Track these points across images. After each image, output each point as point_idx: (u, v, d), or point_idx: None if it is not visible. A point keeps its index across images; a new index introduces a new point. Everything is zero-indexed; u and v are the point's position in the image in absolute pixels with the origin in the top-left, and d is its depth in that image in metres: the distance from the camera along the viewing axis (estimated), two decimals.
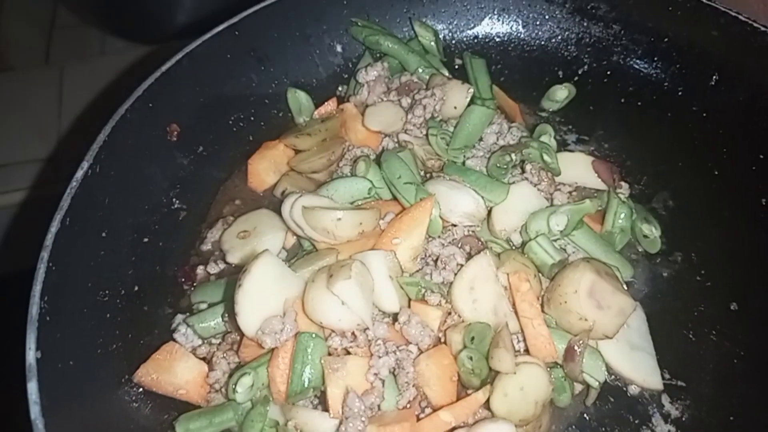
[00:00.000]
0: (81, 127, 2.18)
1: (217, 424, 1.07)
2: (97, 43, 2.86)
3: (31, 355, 0.97)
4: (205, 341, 1.18)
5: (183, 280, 1.30)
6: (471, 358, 1.06)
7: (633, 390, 1.19)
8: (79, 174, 1.17)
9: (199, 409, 1.11)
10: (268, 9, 1.45)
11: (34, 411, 0.92)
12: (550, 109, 1.58)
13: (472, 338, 1.09)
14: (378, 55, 1.57)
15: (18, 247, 2.15)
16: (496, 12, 1.61)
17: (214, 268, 1.30)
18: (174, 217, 1.36)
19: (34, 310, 1.01)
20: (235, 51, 1.45)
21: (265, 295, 1.07)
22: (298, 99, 1.52)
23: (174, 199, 1.37)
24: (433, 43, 1.58)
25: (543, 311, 1.18)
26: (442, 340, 1.14)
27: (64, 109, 2.29)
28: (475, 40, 1.64)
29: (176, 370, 1.12)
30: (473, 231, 1.28)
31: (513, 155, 1.32)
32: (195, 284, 1.30)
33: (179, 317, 1.23)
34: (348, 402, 0.99)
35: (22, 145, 2.13)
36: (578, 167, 1.39)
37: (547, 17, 1.59)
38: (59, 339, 1.03)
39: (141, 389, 1.13)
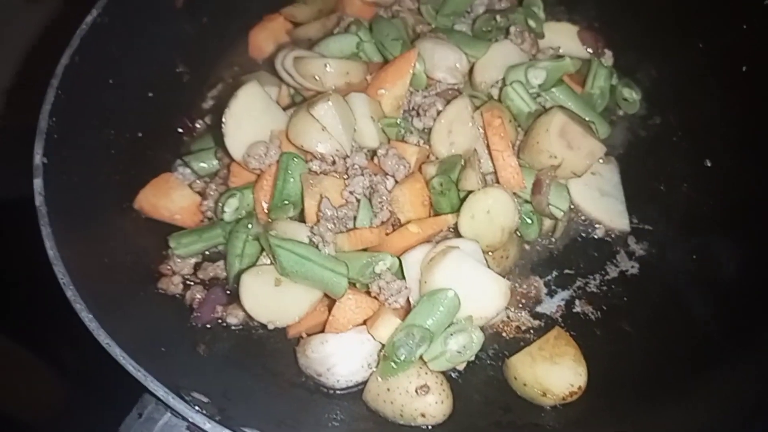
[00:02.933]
0: None
1: (206, 239, 1.17)
2: None
3: (38, 158, 1.06)
4: (201, 178, 1.28)
5: (182, 131, 1.39)
6: (441, 183, 1.13)
7: (600, 230, 1.24)
8: (89, 19, 1.25)
9: (191, 228, 1.20)
10: None
11: (38, 200, 1.02)
12: None
13: (444, 168, 1.16)
14: None
15: None
16: None
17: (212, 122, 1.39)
18: (178, 78, 1.45)
19: (42, 123, 1.10)
20: None
21: (251, 122, 1.15)
22: None
23: (178, 62, 1.46)
24: None
25: (518, 157, 1.24)
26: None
27: None
28: None
29: (172, 196, 1.22)
30: (456, 87, 1.33)
31: (498, 17, 1.36)
32: (194, 135, 1.38)
33: (179, 162, 1.33)
34: (321, 206, 1.08)
35: None
36: (563, 35, 1.43)
37: None
38: (65, 155, 1.12)
39: (141, 216, 1.24)
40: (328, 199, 1.08)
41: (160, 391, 0.86)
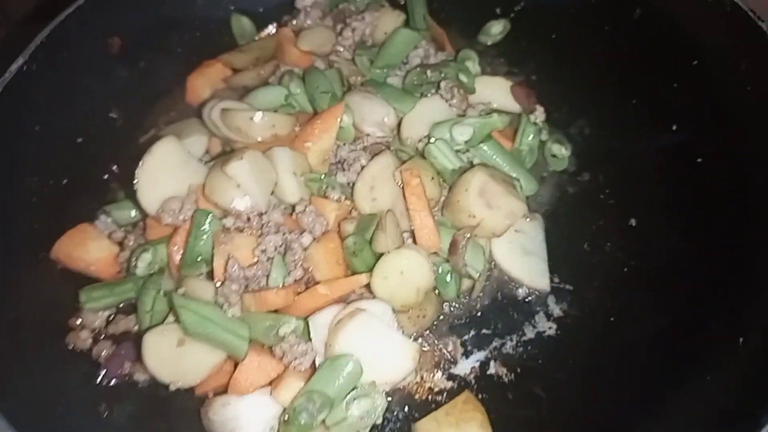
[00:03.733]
0: None
1: (117, 293, 1.15)
2: None
3: None
4: (121, 228, 1.26)
5: (108, 178, 1.38)
6: (355, 242, 1.12)
7: (522, 291, 1.24)
8: (14, 67, 1.25)
9: (102, 282, 1.19)
10: None
11: None
12: (486, 43, 1.63)
13: (360, 227, 1.15)
14: None
15: None
16: None
17: None
18: (109, 123, 1.44)
19: None
20: None
21: (166, 177, 1.15)
22: (242, 24, 1.59)
23: (111, 108, 1.45)
24: None
25: (442, 215, 1.24)
26: (337, 231, 1.20)
27: None
28: None
29: (89, 247, 1.21)
30: (385, 141, 1.34)
31: (429, 72, 1.37)
32: (121, 182, 1.37)
33: (101, 209, 1.32)
34: (228, 267, 1.07)
35: None
36: (496, 89, 1.44)
37: None
38: None
39: (57, 266, 1.22)
40: (235, 258, 1.07)
41: None
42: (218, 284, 1.07)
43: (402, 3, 1.66)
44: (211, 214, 1.12)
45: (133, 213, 1.27)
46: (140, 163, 1.14)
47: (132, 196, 1.32)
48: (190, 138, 1.35)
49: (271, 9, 1.65)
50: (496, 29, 1.60)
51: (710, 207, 1.24)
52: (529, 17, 1.62)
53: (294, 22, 1.56)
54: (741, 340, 1.04)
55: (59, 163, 1.33)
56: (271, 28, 1.60)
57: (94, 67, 1.42)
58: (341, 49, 1.48)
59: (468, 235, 1.15)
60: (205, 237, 1.11)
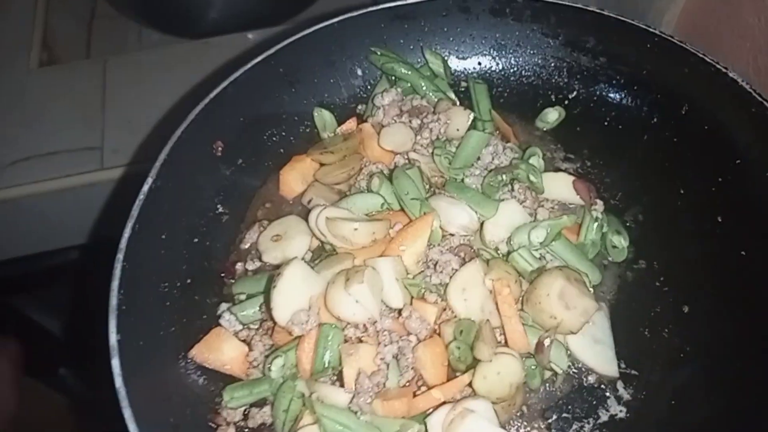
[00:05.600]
0: (123, 119, 2.44)
1: (255, 394, 1.34)
2: (134, 35, 3.11)
3: (113, 338, 1.24)
4: (245, 326, 1.45)
5: (224, 275, 1.57)
6: (459, 348, 1.32)
7: (593, 377, 1.44)
8: (145, 188, 1.42)
9: (242, 381, 1.38)
10: (300, 40, 1.69)
11: (118, 381, 1.19)
12: (543, 129, 1.80)
13: (461, 331, 1.35)
14: (393, 78, 1.80)
15: (67, 228, 2.44)
16: (497, 42, 1.82)
17: (251, 265, 1.56)
18: (218, 220, 1.62)
19: (114, 301, 1.28)
20: (271, 77, 1.69)
21: (293, 294, 1.34)
22: (323, 117, 1.76)
23: (218, 205, 1.62)
24: (441, 69, 1.80)
25: (522, 309, 1.44)
26: (437, 331, 1.40)
27: (107, 100, 2.54)
28: (479, 65, 1.85)
29: (222, 349, 1.39)
30: (468, 240, 1.52)
31: (504, 176, 1.55)
32: (234, 278, 1.56)
33: (224, 305, 1.50)
34: (359, 380, 1.26)
35: (69, 134, 2.38)
36: (560, 185, 1.62)
37: (543, 47, 1.80)
38: (132, 323, 1.30)
39: (195, 364, 1.41)
40: (365, 373, 1.27)
41: None
42: (351, 395, 1.27)
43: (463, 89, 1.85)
44: (336, 327, 1.32)
45: (256, 311, 1.45)
46: (273, 286, 1.32)
47: (247, 291, 1.52)
48: (295, 240, 1.53)
49: (345, 100, 1.83)
50: (553, 116, 1.78)
51: (753, 300, 1.43)
52: (582, 105, 1.79)
53: (373, 117, 1.73)
54: None
55: (182, 265, 1.51)
56: (352, 122, 1.76)
57: (204, 170, 1.60)
58: (420, 147, 1.65)
59: (552, 338, 1.35)
60: (331, 347, 1.30)
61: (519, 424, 1.39)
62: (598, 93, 1.77)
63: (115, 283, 1.30)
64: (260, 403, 1.39)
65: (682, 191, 1.62)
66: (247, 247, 1.62)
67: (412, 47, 1.83)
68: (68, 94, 2.51)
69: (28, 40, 2.66)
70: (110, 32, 3.03)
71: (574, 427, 1.39)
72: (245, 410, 1.38)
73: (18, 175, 2.26)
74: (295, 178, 1.69)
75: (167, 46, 2.74)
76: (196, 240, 1.56)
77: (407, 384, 1.33)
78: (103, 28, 3.05)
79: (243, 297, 1.50)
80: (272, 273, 1.39)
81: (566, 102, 1.80)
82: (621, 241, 1.58)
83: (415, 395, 1.31)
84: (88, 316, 1.44)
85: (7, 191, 2.25)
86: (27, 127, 2.40)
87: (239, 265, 1.58)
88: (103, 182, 2.30)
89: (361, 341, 1.35)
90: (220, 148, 1.63)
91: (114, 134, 2.39)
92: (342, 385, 1.31)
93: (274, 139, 1.74)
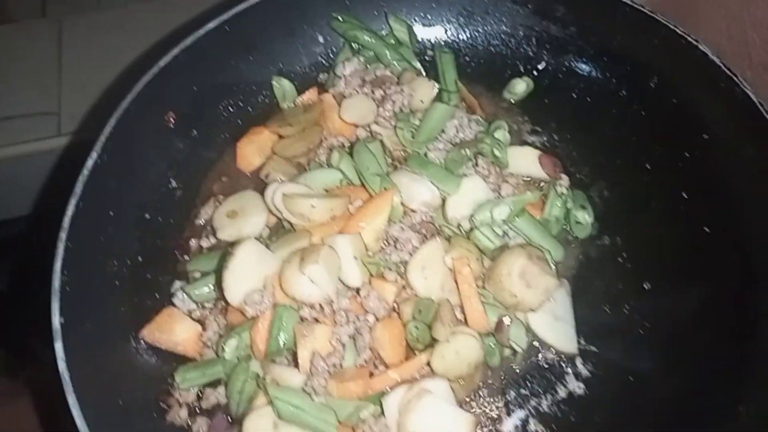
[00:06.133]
0: (81, 82, 2.31)
1: (209, 375, 1.31)
2: None
3: (56, 320, 1.19)
4: (199, 305, 1.41)
5: (177, 252, 1.51)
6: (417, 328, 1.29)
7: (552, 353, 1.43)
8: (89, 163, 1.35)
9: (194, 362, 1.35)
10: (258, 5, 1.60)
11: (61, 366, 1.15)
12: (511, 100, 1.75)
13: (420, 311, 1.32)
14: (356, 47, 1.73)
15: (20, 195, 2.33)
16: (464, 9, 1.75)
17: (206, 242, 1.51)
18: (171, 195, 1.56)
19: (56, 282, 1.22)
20: (226, 44, 1.60)
21: (246, 274, 1.29)
22: (283, 86, 1.69)
23: (171, 179, 1.56)
24: (406, 36, 1.74)
25: (483, 287, 1.41)
26: (396, 310, 1.37)
27: (64, 63, 2.41)
28: (446, 34, 1.79)
29: (175, 329, 1.35)
30: (430, 216, 1.49)
31: (467, 150, 1.51)
32: (189, 255, 1.51)
33: (177, 284, 1.46)
34: (314, 362, 1.23)
35: (24, 98, 2.23)
36: (526, 160, 1.58)
37: (512, 15, 1.74)
38: (77, 305, 1.25)
39: (146, 344, 1.37)
40: (320, 354, 1.24)
41: None
42: (306, 376, 1.24)
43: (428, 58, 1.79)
44: (291, 308, 1.28)
45: (207, 290, 1.41)
46: (224, 266, 1.27)
47: (201, 269, 1.47)
48: (251, 217, 1.48)
49: (306, 69, 1.76)
50: (521, 87, 1.73)
51: (715, 277, 1.43)
52: (550, 77, 1.74)
53: (334, 87, 1.66)
54: (740, 408, 1.25)
55: (133, 242, 1.46)
56: (312, 92, 1.69)
57: (155, 144, 1.53)
58: (382, 119, 1.60)
59: (512, 318, 1.33)
60: (286, 329, 1.27)
61: (477, 402, 1.37)
62: (567, 64, 1.72)
63: (57, 264, 1.24)
64: (214, 384, 1.36)
65: (648, 166, 1.59)
66: (202, 223, 1.56)
67: (376, 13, 1.75)
68: (22, 55, 2.38)
69: None
70: None
71: (532, 403, 1.38)
72: (199, 390, 1.35)
73: None
74: (252, 150, 1.63)
75: (127, 6, 2.60)
76: (147, 216, 1.50)
77: (364, 364, 1.31)
78: None
79: (197, 275, 1.45)
80: (225, 251, 1.34)
81: (535, 73, 1.75)
82: (585, 217, 1.56)
83: (372, 375, 1.29)
84: (33, 293, 1.39)
85: None
86: None
87: (193, 242, 1.53)
88: (61, 149, 2.20)
89: (317, 321, 1.31)
90: (172, 120, 1.56)
91: (72, 98, 2.26)
92: (296, 367, 1.28)
93: (231, 109, 1.67)
